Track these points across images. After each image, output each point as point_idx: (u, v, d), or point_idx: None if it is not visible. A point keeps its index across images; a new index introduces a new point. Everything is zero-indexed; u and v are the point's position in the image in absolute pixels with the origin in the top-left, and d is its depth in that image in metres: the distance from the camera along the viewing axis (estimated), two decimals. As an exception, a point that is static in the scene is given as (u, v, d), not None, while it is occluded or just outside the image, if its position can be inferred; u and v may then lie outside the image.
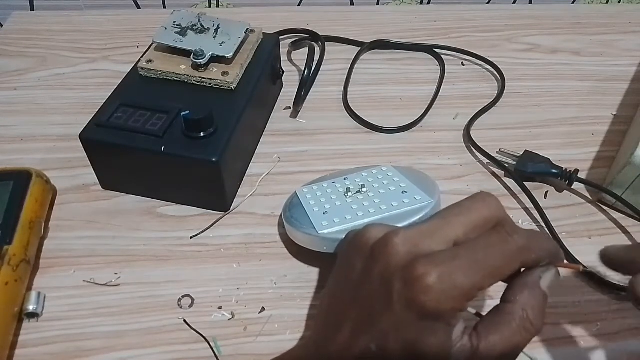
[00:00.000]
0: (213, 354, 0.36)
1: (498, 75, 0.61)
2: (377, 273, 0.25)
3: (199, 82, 0.47)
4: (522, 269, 0.26)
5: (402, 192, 0.39)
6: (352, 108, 0.55)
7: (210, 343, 0.37)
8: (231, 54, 0.47)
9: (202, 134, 0.42)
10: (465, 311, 0.24)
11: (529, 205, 0.46)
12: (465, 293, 0.23)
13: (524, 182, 0.47)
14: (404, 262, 0.24)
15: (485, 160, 0.51)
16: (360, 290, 0.26)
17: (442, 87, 0.59)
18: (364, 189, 0.41)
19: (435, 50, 0.64)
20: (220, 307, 0.39)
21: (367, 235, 0.27)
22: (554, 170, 0.48)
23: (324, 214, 0.39)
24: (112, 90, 0.46)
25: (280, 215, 0.44)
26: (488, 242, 0.24)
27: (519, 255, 0.24)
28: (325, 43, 0.61)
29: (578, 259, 0.42)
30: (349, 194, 0.41)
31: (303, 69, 0.53)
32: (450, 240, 0.25)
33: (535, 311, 0.24)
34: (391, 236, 0.25)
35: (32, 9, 0.72)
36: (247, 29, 0.50)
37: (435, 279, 0.23)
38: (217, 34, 0.49)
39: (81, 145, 0.43)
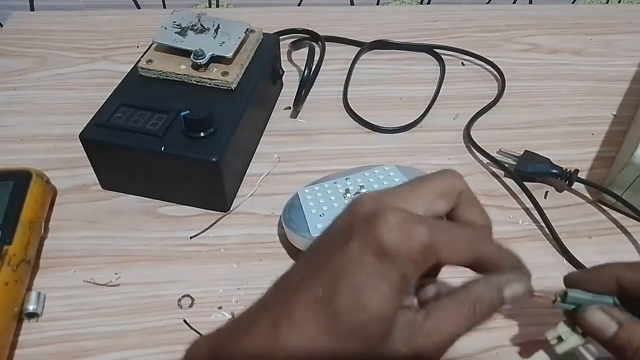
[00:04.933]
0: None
1: (498, 75, 0.61)
2: (340, 224, 0.24)
3: (199, 82, 0.47)
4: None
5: None
6: (352, 108, 0.55)
7: (210, 343, 0.37)
8: (231, 54, 0.47)
9: (202, 134, 0.42)
10: (421, 275, 0.23)
11: (529, 205, 0.46)
12: (424, 246, 0.22)
13: (524, 182, 0.47)
14: (368, 210, 0.23)
15: (485, 160, 0.51)
16: (319, 243, 0.25)
17: (442, 87, 0.59)
18: (363, 190, 0.41)
19: (435, 50, 0.64)
20: (220, 307, 0.39)
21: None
22: (554, 170, 0.48)
23: (320, 216, 0.39)
24: (112, 90, 0.46)
25: (280, 215, 0.44)
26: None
27: (483, 239, 0.25)
28: (325, 43, 0.61)
29: (578, 259, 0.42)
30: (348, 195, 0.41)
31: (303, 69, 0.53)
32: (416, 207, 0.25)
33: (484, 307, 0.24)
34: (360, 196, 0.25)
35: (32, 9, 0.72)
36: (247, 29, 0.50)
37: (398, 220, 0.22)
38: (217, 34, 0.49)
39: (81, 145, 0.43)
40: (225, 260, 0.42)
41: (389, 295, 0.22)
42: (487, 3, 0.78)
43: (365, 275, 0.22)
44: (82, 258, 0.41)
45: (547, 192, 0.48)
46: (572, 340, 0.30)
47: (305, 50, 0.56)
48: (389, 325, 0.23)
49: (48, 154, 0.50)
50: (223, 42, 0.48)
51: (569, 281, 0.31)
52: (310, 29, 0.64)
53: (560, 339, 0.31)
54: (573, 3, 0.80)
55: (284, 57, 0.61)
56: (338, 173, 0.45)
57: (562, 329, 0.31)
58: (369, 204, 0.24)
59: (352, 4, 0.76)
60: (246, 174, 0.49)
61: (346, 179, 0.43)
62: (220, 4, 0.76)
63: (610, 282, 0.29)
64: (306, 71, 0.52)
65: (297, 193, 0.43)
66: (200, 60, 0.46)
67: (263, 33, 0.52)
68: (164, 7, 0.74)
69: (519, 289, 0.25)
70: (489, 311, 0.25)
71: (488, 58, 0.62)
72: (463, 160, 0.51)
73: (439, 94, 0.58)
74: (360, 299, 0.22)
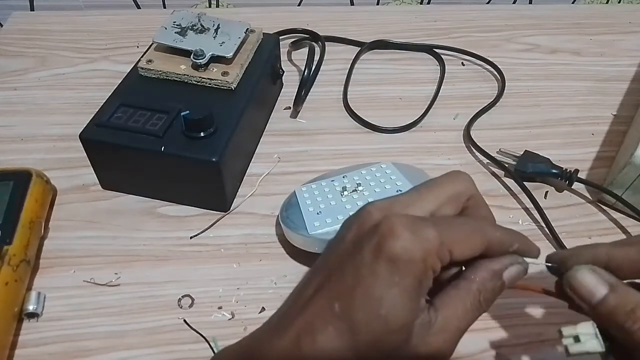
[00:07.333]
0: (213, 354, 0.36)
1: (498, 75, 0.61)
2: (350, 236, 0.24)
3: (199, 82, 0.47)
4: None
5: (397, 191, 0.39)
6: (352, 108, 0.55)
7: (210, 343, 0.37)
8: (231, 54, 0.47)
9: (202, 134, 0.42)
10: (437, 274, 0.23)
11: (529, 205, 0.46)
12: (437, 246, 0.22)
13: (524, 182, 0.47)
14: (376, 219, 0.23)
15: (485, 160, 0.51)
16: (330, 255, 0.25)
17: (442, 87, 0.59)
18: (360, 188, 0.41)
19: (435, 50, 0.64)
20: (220, 307, 0.39)
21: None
22: (554, 170, 0.48)
23: (317, 214, 0.39)
24: (112, 90, 0.46)
25: (278, 214, 0.44)
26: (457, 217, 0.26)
27: (487, 226, 0.25)
28: (325, 43, 0.61)
29: (578, 259, 0.42)
30: (345, 192, 0.41)
31: (303, 69, 0.53)
32: (423, 213, 0.25)
33: (488, 295, 0.24)
34: (366, 205, 0.25)
35: (32, 9, 0.72)
36: (247, 29, 0.50)
37: (405, 225, 0.22)
38: (217, 34, 0.49)
39: (81, 145, 0.43)
40: (225, 260, 0.42)
41: (407, 304, 0.22)
42: (487, 3, 0.78)
43: (381, 286, 0.22)
44: (82, 258, 0.41)
45: (547, 192, 0.48)
46: (590, 344, 0.27)
47: (305, 50, 0.56)
48: (409, 333, 0.23)
49: (48, 154, 0.50)
50: (223, 42, 0.48)
51: (552, 259, 0.29)
52: (310, 29, 0.64)
53: (577, 339, 0.27)
54: (573, 3, 0.80)
55: (284, 57, 0.61)
56: (335, 171, 0.45)
57: (583, 329, 0.27)
58: (375, 213, 0.24)
59: (352, 4, 0.76)
60: (246, 174, 0.49)
61: (343, 177, 0.43)
62: (220, 4, 0.76)
63: (597, 262, 0.28)
64: (306, 71, 0.52)
65: (294, 191, 0.43)
66: (200, 60, 0.46)
67: (263, 33, 0.52)
68: (164, 7, 0.74)
69: (516, 271, 0.25)
70: (493, 298, 0.25)
71: (488, 58, 0.62)
72: (463, 160, 0.51)
73: (439, 94, 0.58)
74: (378, 311, 0.22)
